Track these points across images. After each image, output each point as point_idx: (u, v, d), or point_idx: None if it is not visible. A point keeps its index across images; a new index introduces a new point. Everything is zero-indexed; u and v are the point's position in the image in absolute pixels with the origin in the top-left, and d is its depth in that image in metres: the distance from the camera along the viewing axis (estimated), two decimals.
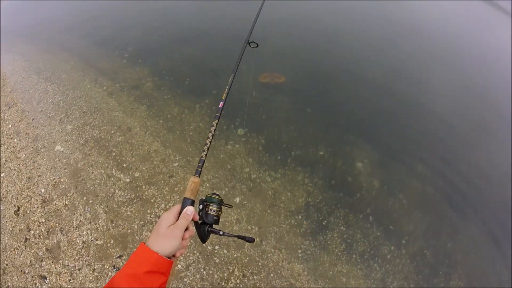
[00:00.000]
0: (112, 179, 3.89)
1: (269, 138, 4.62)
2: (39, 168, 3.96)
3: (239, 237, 1.16)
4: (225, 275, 3.27)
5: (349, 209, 4.09)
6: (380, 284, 3.69)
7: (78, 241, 3.36)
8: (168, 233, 0.99)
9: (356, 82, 6.42)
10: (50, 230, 3.42)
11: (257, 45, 2.01)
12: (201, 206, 1.18)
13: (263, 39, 6.50)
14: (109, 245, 3.34)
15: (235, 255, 3.41)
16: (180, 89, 5.09)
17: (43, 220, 3.49)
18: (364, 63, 7.16)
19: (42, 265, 3.15)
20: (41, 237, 3.37)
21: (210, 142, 1.30)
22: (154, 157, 4.13)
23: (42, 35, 7.03)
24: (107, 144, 4.25)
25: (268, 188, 4.04)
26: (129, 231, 3.44)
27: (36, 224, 3.46)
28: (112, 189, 3.79)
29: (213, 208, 1.16)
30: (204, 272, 3.22)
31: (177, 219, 1.06)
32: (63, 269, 3.13)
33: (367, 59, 7.35)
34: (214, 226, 1.17)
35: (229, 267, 3.32)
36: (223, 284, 3.20)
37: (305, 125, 5.00)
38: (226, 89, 1.55)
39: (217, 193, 1.20)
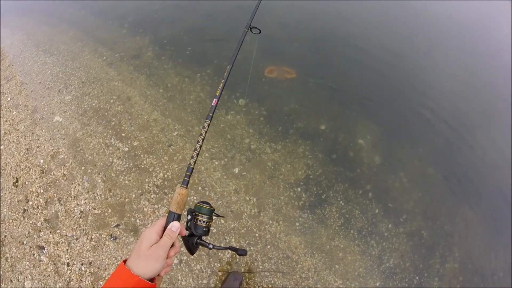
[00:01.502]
0: (111, 148, 3.85)
1: (271, 109, 4.49)
2: (38, 139, 3.93)
3: (230, 248, 1.09)
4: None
5: (349, 184, 4.00)
6: (376, 261, 3.66)
7: (76, 210, 3.35)
8: (150, 255, 0.91)
9: (363, 57, 6.19)
10: (49, 200, 3.42)
11: (260, 31, 1.76)
12: (189, 217, 1.09)
13: (262, 14, 6.27)
14: (106, 214, 3.33)
15: (232, 226, 3.38)
16: (181, 59, 4.95)
17: (42, 191, 3.49)
18: (371, 39, 6.90)
19: (40, 235, 3.17)
20: (39, 207, 3.37)
21: (200, 147, 1.18)
22: (153, 126, 4.06)
23: (40, 7, 6.91)
24: (106, 113, 4.19)
25: (268, 159, 3.95)
26: (126, 200, 3.42)
27: (34, 195, 3.46)
28: (110, 159, 3.75)
29: (203, 219, 1.07)
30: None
31: (161, 236, 0.97)
32: (60, 239, 3.14)
33: (375, 36, 7.07)
34: (203, 237, 1.09)
35: (226, 238, 3.30)
36: (219, 254, 3.18)
37: (307, 98, 4.86)
38: (221, 84, 1.37)
39: (207, 201, 1.11)
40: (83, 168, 3.66)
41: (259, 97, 4.59)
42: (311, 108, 4.68)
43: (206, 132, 1.19)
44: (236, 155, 3.91)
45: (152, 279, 0.91)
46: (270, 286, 3.20)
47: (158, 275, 0.95)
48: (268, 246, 3.36)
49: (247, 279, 3.17)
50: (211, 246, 1.06)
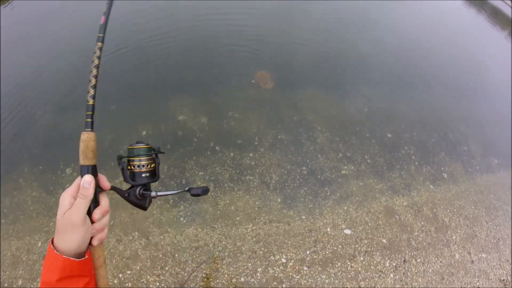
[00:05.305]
0: None
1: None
2: None
3: (183, 191, 0.92)
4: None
5: (196, 155, 4.31)
6: (263, 186, 4.06)
7: None
8: (64, 225, 0.75)
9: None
10: None
11: None
12: (121, 166, 0.91)
13: None
14: None
15: (138, 267, 3.53)
16: None
17: None
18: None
19: None
20: None
21: (96, 76, 0.89)
22: (20, 255, 4.02)
23: None
24: None
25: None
26: None
27: None
28: None
29: (141, 163, 0.88)
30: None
31: None
32: None
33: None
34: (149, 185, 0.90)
35: (141, 279, 3.48)
36: None
37: (118, 122, 4.91)
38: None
39: (141, 141, 0.93)
40: None
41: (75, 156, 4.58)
42: (125, 124, 4.84)
43: (99, 58, 0.90)
44: None
45: (81, 254, 0.78)
46: (205, 280, 3.50)
47: (91, 244, 0.81)
48: (176, 255, 3.63)
49: None
50: (153, 194, 0.90)
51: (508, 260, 4.48)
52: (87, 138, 0.84)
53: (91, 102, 0.86)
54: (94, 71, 0.88)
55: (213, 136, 4.48)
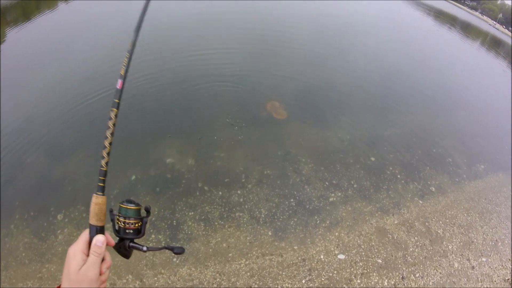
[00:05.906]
0: None
1: (84, 202, 4.57)
2: None
3: (166, 248, 1.02)
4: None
5: (185, 196, 4.38)
6: (253, 221, 4.11)
7: None
8: (81, 278, 0.82)
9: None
10: None
11: None
12: (111, 218, 0.98)
13: None
14: None
15: None
16: None
17: None
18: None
19: None
20: None
21: (110, 144, 0.97)
22: None
23: None
24: None
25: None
26: None
27: None
28: None
29: (128, 221, 0.96)
30: None
31: (88, 253, 0.86)
32: None
33: None
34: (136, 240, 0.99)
35: None
36: None
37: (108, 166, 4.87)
38: (126, 59, 1.07)
39: (132, 199, 1.00)
40: None
41: (64, 201, 4.61)
42: (115, 169, 4.84)
43: (114, 125, 0.99)
44: None
45: None
46: None
47: None
48: None
49: None
50: (145, 249, 0.97)
51: (509, 259, 4.52)
52: (101, 202, 0.92)
53: (104, 167, 0.95)
54: (109, 138, 0.97)
55: (201, 177, 4.57)
